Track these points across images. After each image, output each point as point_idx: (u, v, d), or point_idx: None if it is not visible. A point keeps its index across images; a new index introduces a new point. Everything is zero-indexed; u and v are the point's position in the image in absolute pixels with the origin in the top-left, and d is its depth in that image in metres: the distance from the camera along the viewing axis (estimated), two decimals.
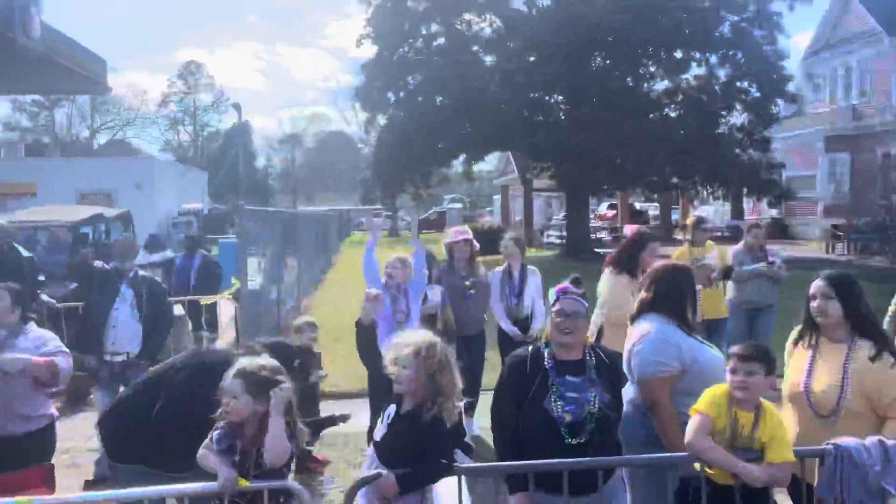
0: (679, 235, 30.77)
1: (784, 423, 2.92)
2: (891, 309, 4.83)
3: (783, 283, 6.94)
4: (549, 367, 2.98)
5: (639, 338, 3.30)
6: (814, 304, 3.24)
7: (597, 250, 20.32)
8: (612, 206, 38.35)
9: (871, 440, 2.80)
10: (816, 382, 3.17)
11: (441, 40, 21.46)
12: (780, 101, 21.12)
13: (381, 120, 22.85)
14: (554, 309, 3.02)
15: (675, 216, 35.54)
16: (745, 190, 21.26)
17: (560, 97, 21.30)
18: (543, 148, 19.45)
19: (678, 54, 20.21)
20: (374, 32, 21.67)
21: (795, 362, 3.37)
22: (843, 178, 27.47)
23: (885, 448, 2.77)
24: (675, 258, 7.02)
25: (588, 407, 2.92)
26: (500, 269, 6.32)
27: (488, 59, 21.36)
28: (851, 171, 27.07)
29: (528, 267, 6.34)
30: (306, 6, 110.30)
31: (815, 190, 27.98)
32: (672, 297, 3.30)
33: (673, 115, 20.68)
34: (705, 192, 22.51)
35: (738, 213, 30.35)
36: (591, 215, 42.74)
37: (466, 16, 21.71)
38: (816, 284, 3.28)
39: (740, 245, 6.99)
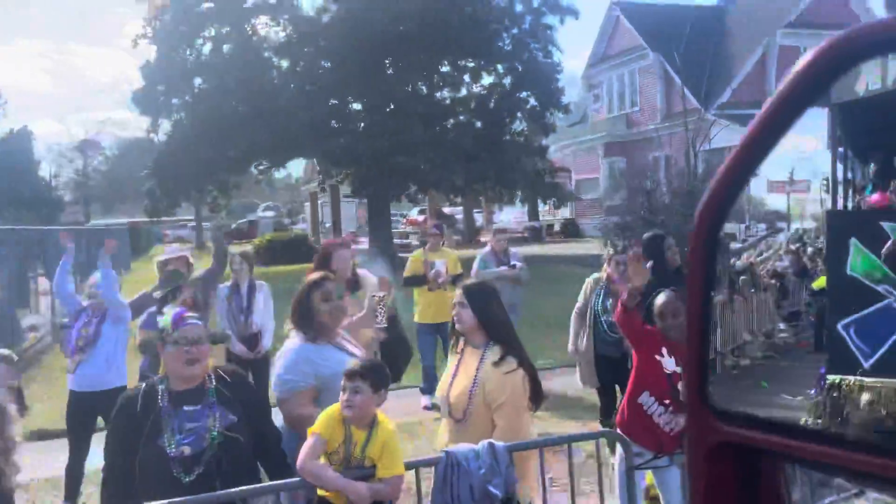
0: (484, 238, 32.03)
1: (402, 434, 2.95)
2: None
3: (525, 284, 7.30)
4: (162, 403, 2.77)
5: (278, 357, 3.23)
6: (453, 312, 3.33)
7: (401, 255, 20.56)
8: (422, 212, 39.16)
9: (482, 444, 2.89)
10: (454, 387, 3.25)
11: (229, 44, 20.60)
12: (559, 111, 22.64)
13: (166, 125, 21.52)
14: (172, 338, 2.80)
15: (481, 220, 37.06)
16: (531, 194, 22.52)
17: (355, 104, 21.31)
18: (339, 154, 19.34)
19: (468, 63, 21.01)
20: (153, 32, 20.36)
21: (447, 368, 3.46)
22: (620, 181, 30.11)
23: (493, 451, 2.87)
24: (409, 262, 7.08)
25: (207, 435, 2.75)
26: (226, 284, 6.05)
27: (283, 65, 20.87)
28: (627, 174, 29.74)
29: (257, 282, 6.14)
30: (102, 1, 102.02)
31: (599, 192, 30.34)
32: (303, 311, 3.24)
33: (463, 121, 21.41)
34: (499, 196, 23.56)
35: (534, 215, 32.25)
36: (403, 220, 43.50)
37: (256, 20, 21.07)
38: (457, 293, 3.38)
39: (487, 248, 7.24)
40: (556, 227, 32.84)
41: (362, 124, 20.42)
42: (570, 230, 31.41)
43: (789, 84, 0.68)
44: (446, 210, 38.25)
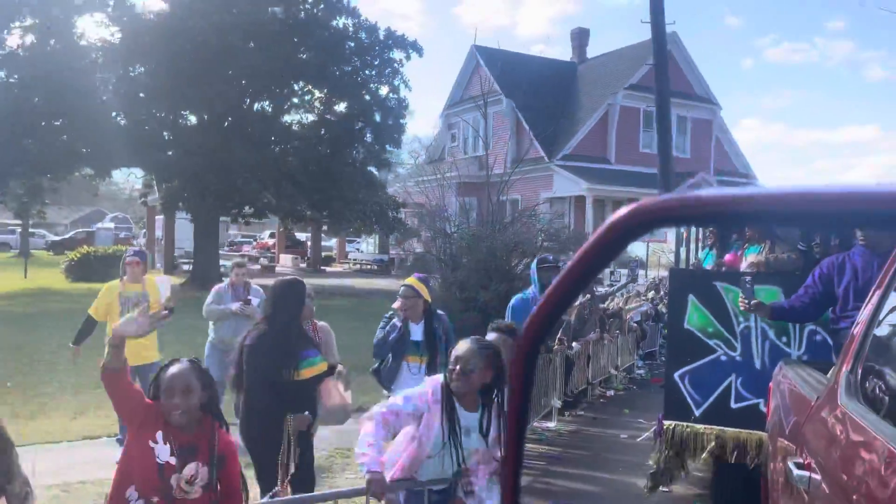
0: (333, 266, 31.20)
1: None
2: None
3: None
4: None
5: None
6: None
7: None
8: (272, 235, 37.92)
9: None
10: None
11: (48, 38, 18.92)
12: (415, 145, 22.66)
13: None
14: None
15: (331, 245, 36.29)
16: (370, 226, 22.23)
17: (192, 117, 20.22)
18: (164, 167, 18.16)
19: (311, 89, 20.57)
20: None
21: None
22: (472, 220, 30.53)
23: None
24: (100, 294, 6.03)
25: None
26: None
27: (109, 67, 19.41)
28: (478, 213, 30.23)
29: None
30: None
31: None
32: None
33: (300, 147, 20.86)
34: (336, 226, 23.08)
35: (384, 247, 32.05)
36: (254, 241, 41.96)
37: (83, 17, 19.52)
38: None
39: (225, 283, 6.72)
40: (409, 262, 32.67)
41: (193, 139, 19.33)
42: (419, 265, 31.41)
43: (595, 240, 0.81)
44: (299, 236, 37.29)
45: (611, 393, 8.62)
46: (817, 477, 2.54)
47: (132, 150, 18.06)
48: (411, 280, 4.96)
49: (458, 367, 3.05)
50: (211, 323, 6.43)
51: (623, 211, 0.82)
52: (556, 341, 6.87)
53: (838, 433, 2.58)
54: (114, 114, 18.14)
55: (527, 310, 5.76)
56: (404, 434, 3.19)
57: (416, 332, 4.84)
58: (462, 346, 3.15)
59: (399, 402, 3.08)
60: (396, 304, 4.86)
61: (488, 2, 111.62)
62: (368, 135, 20.92)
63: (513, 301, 6.17)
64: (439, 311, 5.09)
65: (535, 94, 28.04)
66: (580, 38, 32.42)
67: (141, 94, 18.26)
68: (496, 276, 10.21)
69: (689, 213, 0.81)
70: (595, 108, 26.70)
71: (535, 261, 6.35)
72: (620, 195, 25.70)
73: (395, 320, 4.85)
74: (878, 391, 2.55)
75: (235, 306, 6.13)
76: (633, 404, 8.10)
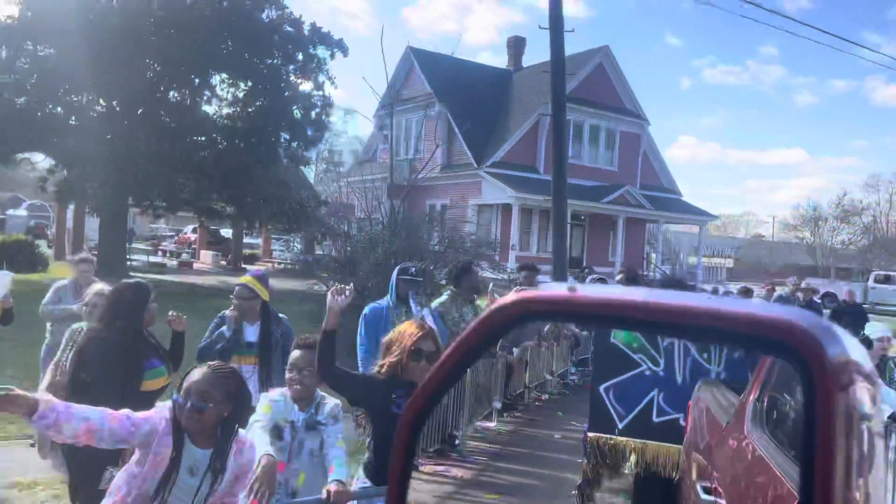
0: (256, 266, 30.35)
1: None
2: None
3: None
4: None
5: None
6: None
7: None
8: (195, 230, 36.66)
9: None
10: None
11: None
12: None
13: None
14: None
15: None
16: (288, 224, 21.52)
17: (90, 100, 19.06)
18: (68, 154, 17.11)
19: (228, 81, 19.78)
20: None
21: None
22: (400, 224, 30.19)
23: None
24: None
25: None
26: None
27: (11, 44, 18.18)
28: (405, 218, 29.91)
29: None
30: None
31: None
32: None
33: (215, 141, 19.99)
34: (251, 222, 22.28)
35: (309, 248, 31.34)
36: (176, 237, 40.47)
37: None
38: None
39: (67, 280, 6.07)
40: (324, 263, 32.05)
41: (101, 126, 18.29)
42: (318, 267, 30.83)
43: (472, 331, 0.91)
44: (225, 232, 36.10)
45: (545, 397, 9.00)
46: (722, 502, 2.58)
47: (35, 135, 16.97)
48: (247, 279, 4.61)
49: (189, 401, 2.50)
50: (48, 324, 5.81)
51: (506, 300, 0.90)
52: (499, 347, 7.20)
53: (742, 462, 2.63)
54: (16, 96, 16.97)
55: (379, 319, 5.32)
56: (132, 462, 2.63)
57: (251, 333, 4.49)
58: (196, 374, 2.58)
59: (138, 417, 2.52)
60: (229, 311, 4.49)
61: (438, 7, 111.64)
62: (287, 131, 20.23)
63: (366, 310, 5.58)
64: (281, 315, 4.72)
65: (469, 99, 27.94)
66: (516, 46, 32.54)
67: (47, 76, 17.14)
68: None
69: (566, 311, 0.91)
70: (526, 117, 26.77)
71: (397, 269, 5.75)
72: (548, 205, 25.87)
73: (223, 328, 4.42)
74: (781, 422, 2.56)
75: (77, 307, 5.44)
76: (566, 408, 8.53)
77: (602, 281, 8.63)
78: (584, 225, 29.19)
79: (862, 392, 0.80)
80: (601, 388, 4.71)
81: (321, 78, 20.45)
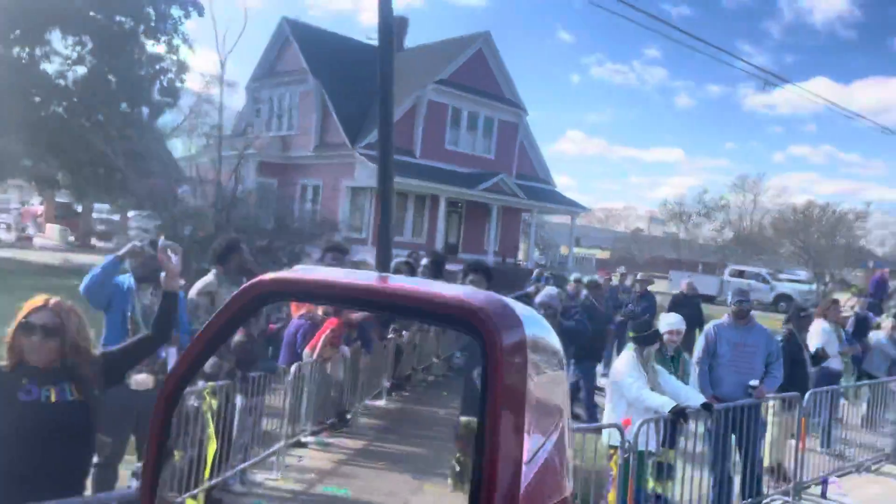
0: (105, 242, 28.03)
1: None
2: None
3: None
4: None
5: None
6: None
7: None
8: (43, 202, 33.56)
9: None
10: None
11: None
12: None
13: None
14: None
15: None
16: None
17: None
18: None
19: (69, 40, 17.80)
20: None
21: None
22: (271, 204, 28.81)
23: None
24: None
25: None
26: None
27: None
28: (277, 197, 28.59)
29: None
30: None
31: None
32: None
33: (53, 105, 18.02)
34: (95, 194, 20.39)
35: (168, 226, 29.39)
36: (20, 209, 36.91)
37: None
38: None
39: None
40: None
41: None
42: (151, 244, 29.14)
43: (219, 313, 0.99)
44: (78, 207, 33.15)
45: (432, 378, 9.50)
46: None
47: None
48: None
49: None
50: None
51: (249, 283, 1.00)
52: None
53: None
54: None
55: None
56: None
57: None
58: None
59: None
60: None
61: None
62: (132, 95, 18.49)
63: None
64: None
65: (346, 76, 26.97)
66: (398, 27, 31.75)
67: None
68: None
69: (298, 291, 1.07)
70: (404, 99, 26.11)
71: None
72: (423, 190, 25.41)
73: None
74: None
75: None
76: (450, 388, 9.00)
77: (408, 265, 8.51)
78: (461, 212, 29.02)
79: (532, 370, 0.92)
80: (474, 373, 4.76)
81: (175, 41, 18.86)
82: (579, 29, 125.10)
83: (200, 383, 4.18)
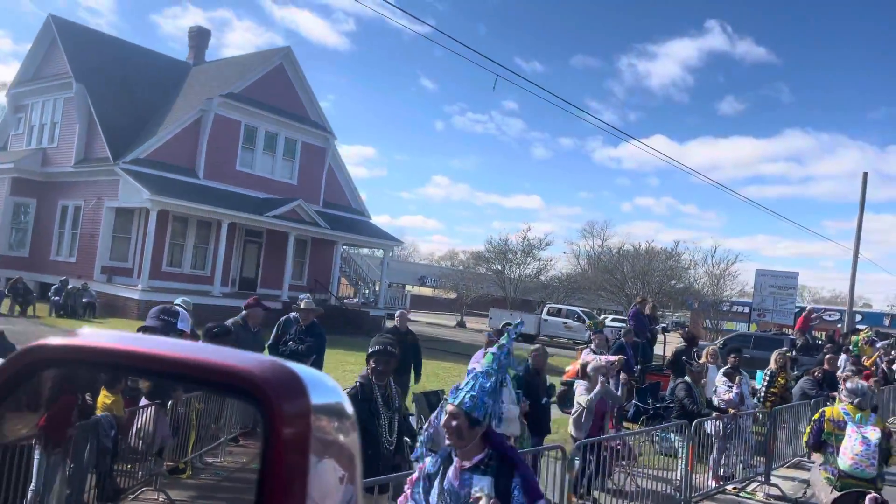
0: None
1: None
2: None
3: None
4: None
5: None
6: None
7: None
8: None
9: None
10: None
11: None
12: None
13: None
14: None
15: None
16: None
17: None
18: None
19: None
20: None
21: None
22: (27, 227, 24.65)
23: None
24: None
25: None
26: None
27: None
28: (35, 219, 24.51)
29: None
30: None
31: None
32: None
33: None
34: None
35: None
36: None
37: None
38: None
39: None
40: None
41: None
42: None
43: None
44: None
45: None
46: None
47: None
48: None
49: None
50: None
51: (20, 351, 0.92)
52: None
53: None
54: None
55: None
56: None
57: None
58: None
59: None
60: None
61: None
62: None
63: None
64: None
65: (116, 83, 23.71)
66: (199, 38, 28.94)
67: None
68: None
69: (69, 358, 0.95)
70: (187, 113, 23.22)
71: None
72: (209, 215, 22.45)
73: None
74: None
75: None
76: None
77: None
78: (261, 242, 26.23)
79: (318, 439, 0.89)
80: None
81: None
82: (441, 77, 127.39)
83: None
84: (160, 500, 5.02)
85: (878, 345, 21.12)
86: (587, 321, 30.45)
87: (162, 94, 25.06)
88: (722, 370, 8.63)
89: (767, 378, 9.92)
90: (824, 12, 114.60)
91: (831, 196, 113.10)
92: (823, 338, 20.81)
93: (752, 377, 11.14)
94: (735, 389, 8.18)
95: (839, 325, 36.14)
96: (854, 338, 20.56)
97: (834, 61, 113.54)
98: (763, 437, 8.70)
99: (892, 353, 27.34)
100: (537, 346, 7.37)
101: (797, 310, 30.36)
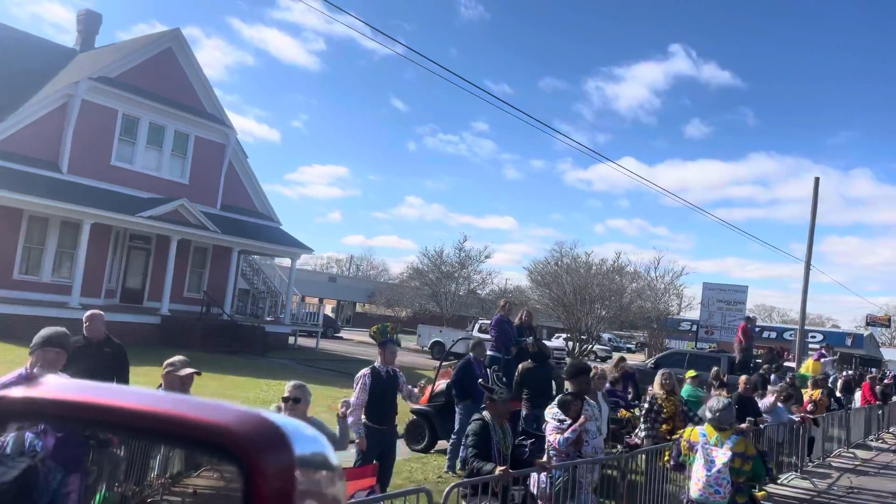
0: None
1: None
2: None
3: None
4: None
5: None
6: None
7: None
8: None
9: None
10: None
11: None
12: None
13: None
14: None
15: None
16: None
17: None
18: None
19: None
20: None
21: None
22: None
23: None
24: None
25: None
26: None
27: None
28: None
29: None
30: None
31: None
32: None
33: None
34: None
35: None
36: None
37: None
38: None
39: None
40: None
41: None
42: None
43: None
44: None
45: None
46: None
47: None
48: None
49: None
50: None
51: None
52: None
53: None
54: None
55: None
56: None
57: None
58: None
59: None
60: None
61: None
62: None
63: None
64: None
65: None
66: (87, 22, 26.06)
67: None
68: None
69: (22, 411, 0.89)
70: (51, 99, 20.31)
71: None
72: (74, 216, 19.47)
73: None
74: None
75: None
76: None
77: None
78: (150, 249, 23.27)
79: (303, 494, 0.81)
80: None
81: None
82: (412, 99, 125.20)
83: None
84: None
85: (825, 360, 19.31)
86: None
87: (38, 82, 22.12)
88: (558, 398, 6.08)
89: (646, 405, 7.47)
90: (784, 37, 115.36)
91: (797, 219, 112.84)
92: (761, 354, 18.57)
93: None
94: (570, 429, 5.65)
95: (789, 344, 34.20)
96: (808, 361, 18.64)
97: (795, 87, 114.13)
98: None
99: (846, 370, 25.54)
100: None
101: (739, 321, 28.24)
